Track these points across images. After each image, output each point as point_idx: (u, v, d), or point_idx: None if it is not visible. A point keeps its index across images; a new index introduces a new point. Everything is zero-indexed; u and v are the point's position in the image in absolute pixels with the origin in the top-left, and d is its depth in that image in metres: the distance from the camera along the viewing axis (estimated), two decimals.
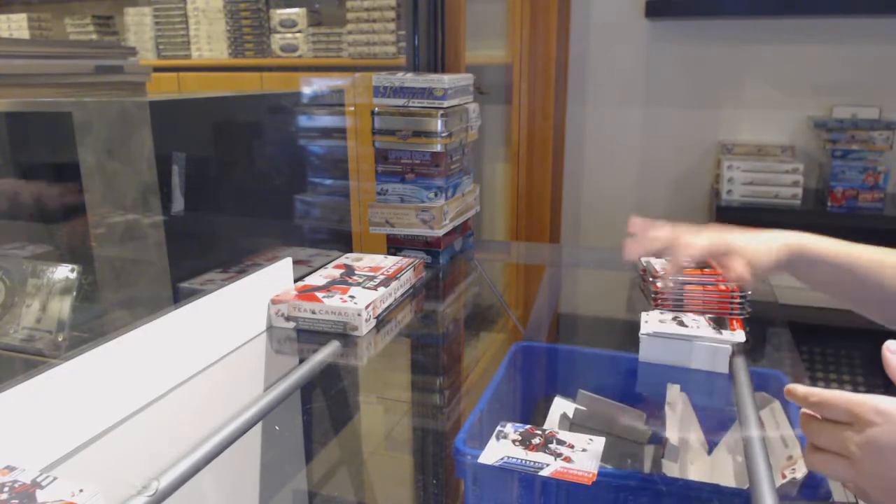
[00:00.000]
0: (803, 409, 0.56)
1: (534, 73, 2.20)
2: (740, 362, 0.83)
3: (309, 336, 0.92)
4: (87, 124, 0.91)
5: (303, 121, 1.26)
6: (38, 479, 0.50)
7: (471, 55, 2.02)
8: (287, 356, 0.93)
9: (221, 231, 1.05)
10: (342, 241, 1.37)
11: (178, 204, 0.92)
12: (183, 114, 1.00)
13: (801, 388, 0.55)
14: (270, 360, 0.91)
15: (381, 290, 0.98)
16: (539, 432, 0.68)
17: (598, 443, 0.66)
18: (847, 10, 2.00)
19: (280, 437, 0.83)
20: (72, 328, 0.90)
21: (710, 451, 0.83)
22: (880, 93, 2.08)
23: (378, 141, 1.20)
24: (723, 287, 0.96)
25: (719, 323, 0.89)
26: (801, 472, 0.64)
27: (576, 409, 0.91)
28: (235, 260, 1.05)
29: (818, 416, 0.54)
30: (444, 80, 1.16)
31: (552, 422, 0.90)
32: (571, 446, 0.66)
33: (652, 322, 0.89)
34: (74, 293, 0.91)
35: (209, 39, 2.83)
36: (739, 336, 0.86)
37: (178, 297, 0.92)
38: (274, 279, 0.95)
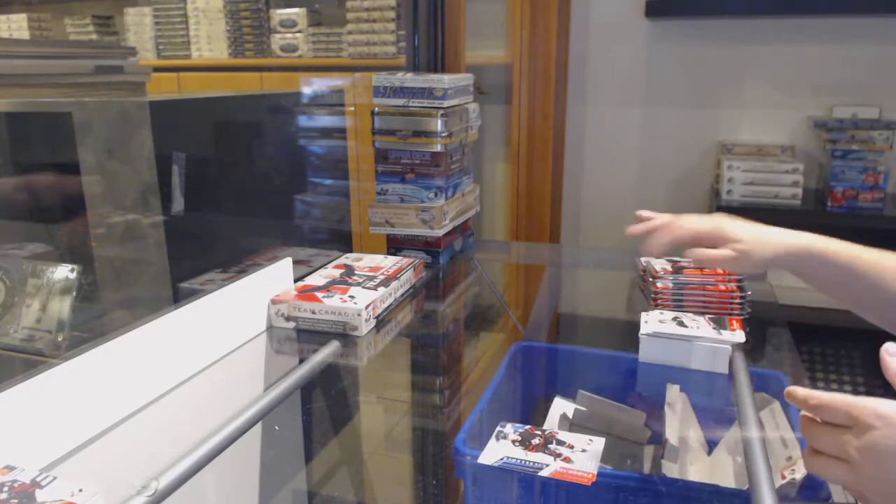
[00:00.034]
0: (803, 412, 0.56)
1: (534, 73, 2.20)
2: (740, 362, 0.83)
3: (309, 336, 0.92)
4: (87, 124, 0.91)
5: (303, 121, 1.26)
6: (38, 479, 0.50)
7: (471, 55, 2.02)
8: (287, 356, 0.93)
9: (221, 231, 1.05)
10: (342, 241, 1.37)
11: (178, 204, 0.92)
12: (183, 114, 1.00)
13: (800, 391, 0.55)
14: (270, 360, 0.91)
15: (381, 290, 0.98)
16: (539, 432, 0.68)
17: (598, 443, 0.66)
18: (847, 10, 2.00)
19: (280, 437, 0.83)
20: (72, 328, 0.90)
21: (710, 452, 0.83)
22: (880, 93, 2.08)
23: (378, 141, 1.20)
24: (723, 287, 0.96)
25: (719, 323, 0.89)
26: (800, 472, 0.64)
27: (576, 410, 0.91)
28: (235, 260, 1.05)
29: (818, 419, 0.54)
30: (444, 80, 1.16)
31: (552, 422, 0.90)
32: (571, 446, 0.66)
33: (652, 322, 0.89)
34: (74, 293, 0.91)
35: (209, 39, 2.83)
36: (739, 336, 0.86)
37: (178, 297, 0.92)
38: (274, 279, 0.95)
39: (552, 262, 1.54)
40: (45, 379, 0.60)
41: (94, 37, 2.98)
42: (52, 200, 1.03)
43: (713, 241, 0.88)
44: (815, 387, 0.56)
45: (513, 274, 1.48)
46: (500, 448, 0.65)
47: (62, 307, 0.90)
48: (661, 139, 2.33)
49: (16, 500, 0.47)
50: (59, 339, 0.89)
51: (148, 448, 0.68)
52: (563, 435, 0.68)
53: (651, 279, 1.00)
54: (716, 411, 0.86)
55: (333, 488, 0.92)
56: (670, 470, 0.72)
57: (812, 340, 2.13)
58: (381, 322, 0.97)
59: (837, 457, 0.52)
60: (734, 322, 0.90)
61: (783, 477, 0.65)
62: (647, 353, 0.87)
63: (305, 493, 0.92)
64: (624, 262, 1.27)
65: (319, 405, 0.90)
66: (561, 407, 0.92)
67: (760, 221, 0.88)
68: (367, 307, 0.92)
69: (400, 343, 1.01)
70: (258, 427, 0.72)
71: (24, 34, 2.84)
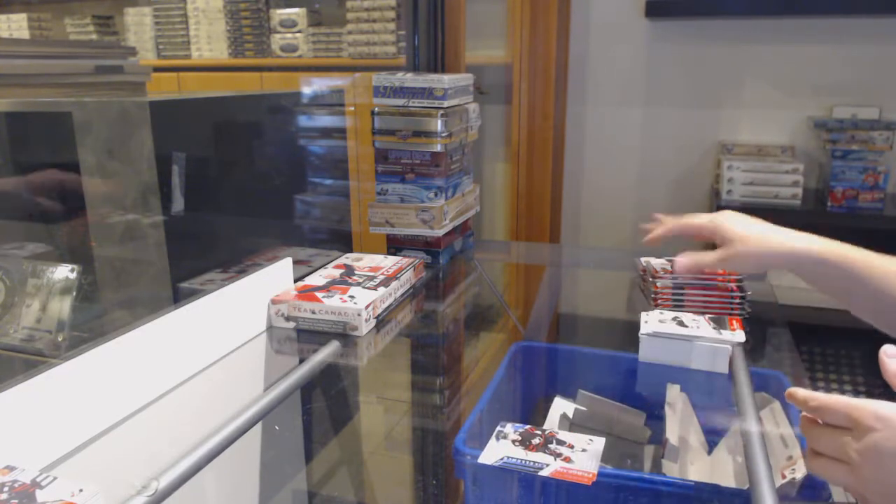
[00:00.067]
0: (804, 413, 0.56)
1: (534, 73, 2.20)
2: (740, 362, 0.83)
3: (309, 336, 0.92)
4: (87, 124, 0.91)
5: (303, 121, 1.26)
6: (38, 479, 0.50)
7: (471, 55, 2.02)
8: (287, 356, 0.93)
9: (221, 231, 1.05)
10: (342, 241, 1.37)
11: (178, 204, 0.92)
12: (183, 114, 1.00)
13: (801, 392, 0.55)
14: (270, 360, 0.91)
15: (381, 290, 0.98)
16: (539, 432, 0.68)
17: (598, 443, 0.66)
18: (847, 10, 2.00)
19: (280, 437, 0.83)
20: (72, 328, 0.90)
21: (710, 452, 0.83)
22: (880, 93, 2.08)
23: (378, 141, 1.20)
24: (723, 287, 0.96)
25: (719, 323, 0.89)
26: (800, 472, 0.64)
27: (576, 410, 0.91)
28: (235, 260, 1.05)
29: (819, 420, 0.54)
30: (444, 80, 1.16)
31: (552, 422, 0.90)
32: (571, 446, 0.66)
33: (652, 322, 0.89)
34: (74, 293, 0.91)
35: (209, 39, 2.83)
36: (739, 336, 0.86)
37: (178, 297, 0.92)
38: (274, 279, 0.95)
39: (552, 262, 1.54)
40: (45, 379, 0.60)
41: (94, 37, 2.98)
42: (52, 200, 1.03)
43: (712, 237, 0.90)
44: (815, 387, 0.56)
45: (513, 274, 1.48)
46: (501, 448, 0.65)
47: (62, 307, 0.90)
48: (661, 139, 2.33)
49: (16, 500, 0.47)
50: (59, 339, 0.89)
51: (148, 448, 0.68)
52: (564, 435, 0.68)
53: (651, 279, 1.00)
54: (716, 411, 0.86)
55: (333, 488, 0.92)
56: (670, 470, 0.72)
57: (812, 340, 2.13)
58: (381, 322, 0.97)
59: (838, 458, 0.52)
60: (734, 322, 0.90)
61: (783, 477, 0.65)
62: (647, 353, 0.87)
63: (305, 493, 0.92)
64: (624, 262, 1.27)
65: (319, 405, 0.90)
66: (561, 407, 0.92)
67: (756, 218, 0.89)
68: (367, 307, 0.92)
69: (400, 343, 1.01)
70: (258, 427, 0.72)
71: (24, 34, 2.84)
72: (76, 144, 0.91)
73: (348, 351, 0.90)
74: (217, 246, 1.04)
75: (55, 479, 0.50)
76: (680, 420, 0.79)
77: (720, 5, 2.07)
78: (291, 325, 0.94)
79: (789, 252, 0.81)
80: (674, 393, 0.82)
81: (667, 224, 0.98)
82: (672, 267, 0.97)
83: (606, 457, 0.73)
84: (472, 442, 0.70)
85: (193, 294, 0.84)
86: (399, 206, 1.20)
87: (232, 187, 1.07)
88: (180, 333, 0.76)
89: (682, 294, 0.97)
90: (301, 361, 0.86)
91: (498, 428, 0.69)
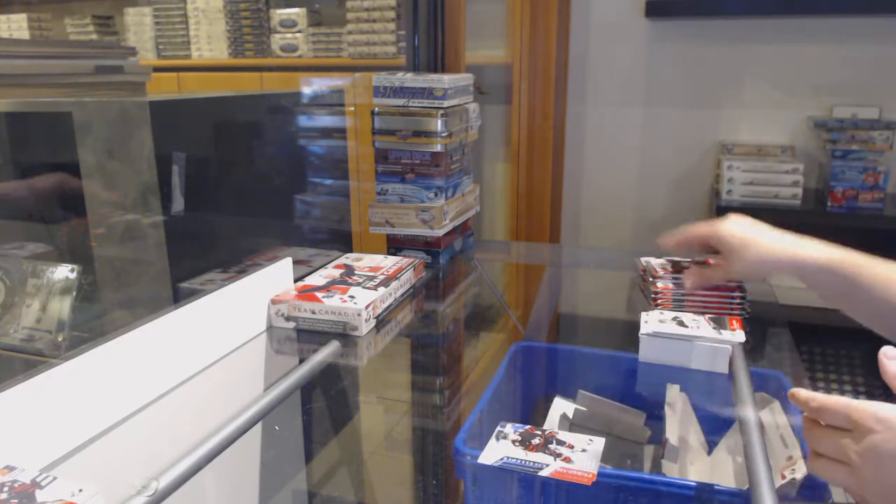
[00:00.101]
0: (805, 414, 0.56)
1: (534, 73, 2.20)
2: (740, 362, 0.83)
3: (309, 336, 0.92)
4: (87, 124, 0.91)
5: (303, 121, 1.26)
6: (38, 479, 0.50)
7: (471, 55, 2.02)
8: (287, 356, 0.93)
9: (221, 231, 1.05)
10: (342, 241, 1.37)
11: (178, 204, 0.92)
12: (183, 114, 1.00)
13: (802, 393, 0.55)
14: (270, 360, 0.91)
15: (381, 290, 0.98)
16: (539, 432, 0.68)
17: (598, 443, 0.66)
18: (847, 10, 2.00)
19: (280, 437, 0.83)
20: (72, 328, 0.90)
21: (710, 452, 0.83)
22: (880, 93, 2.08)
23: (378, 141, 1.20)
24: (723, 287, 0.96)
25: (719, 323, 0.89)
26: (800, 472, 0.64)
27: (576, 410, 0.91)
28: (235, 260, 1.05)
29: (820, 421, 0.54)
30: (444, 80, 1.16)
31: (552, 422, 0.90)
32: (571, 446, 0.66)
33: (652, 322, 0.89)
34: (74, 293, 0.91)
35: (209, 39, 2.83)
36: (739, 336, 0.86)
37: (178, 297, 0.92)
38: (274, 279, 0.95)
39: (552, 262, 1.54)
40: (45, 379, 0.60)
41: (94, 37, 2.98)
42: (52, 200, 1.03)
43: (716, 244, 0.90)
44: (815, 387, 0.56)
45: (513, 274, 1.48)
46: (500, 448, 0.65)
47: (62, 307, 0.90)
48: (661, 139, 2.33)
49: (16, 500, 0.47)
50: (59, 339, 0.89)
51: (148, 448, 0.68)
52: (563, 435, 0.68)
53: (651, 279, 1.00)
54: (716, 411, 0.86)
55: (333, 488, 0.92)
56: (670, 470, 0.72)
57: (812, 340, 2.13)
58: (381, 322, 0.97)
59: (838, 459, 0.52)
60: (734, 322, 0.90)
61: (783, 477, 0.65)
62: (647, 353, 0.87)
63: (305, 493, 0.92)
64: (624, 262, 1.27)
65: (319, 405, 0.90)
66: (561, 407, 0.92)
67: (760, 221, 0.89)
68: (367, 307, 0.92)
69: (400, 343, 1.01)
70: (258, 427, 0.72)
71: (24, 34, 2.85)
72: (76, 144, 0.91)
73: (348, 351, 0.90)
74: (217, 246, 1.04)
75: (55, 479, 0.50)
76: (680, 420, 0.79)
77: (720, 5, 2.07)
78: (291, 325, 0.94)
79: (791, 259, 0.81)
80: (674, 393, 0.82)
81: (677, 239, 0.97)
82: (681, 282, 0.97)
83: (606, 457, 0.73)
84: (472, 442, 0.70)
85: (193, 294, 0.84)
86: (399, 206, 1.20)
87: (232, 187, 1.07)
88: (180, 333, 0.76)
89: (681, 294, 0.97)
90: (301, 361, 0.86)
91: (498, 428, 0.69)
